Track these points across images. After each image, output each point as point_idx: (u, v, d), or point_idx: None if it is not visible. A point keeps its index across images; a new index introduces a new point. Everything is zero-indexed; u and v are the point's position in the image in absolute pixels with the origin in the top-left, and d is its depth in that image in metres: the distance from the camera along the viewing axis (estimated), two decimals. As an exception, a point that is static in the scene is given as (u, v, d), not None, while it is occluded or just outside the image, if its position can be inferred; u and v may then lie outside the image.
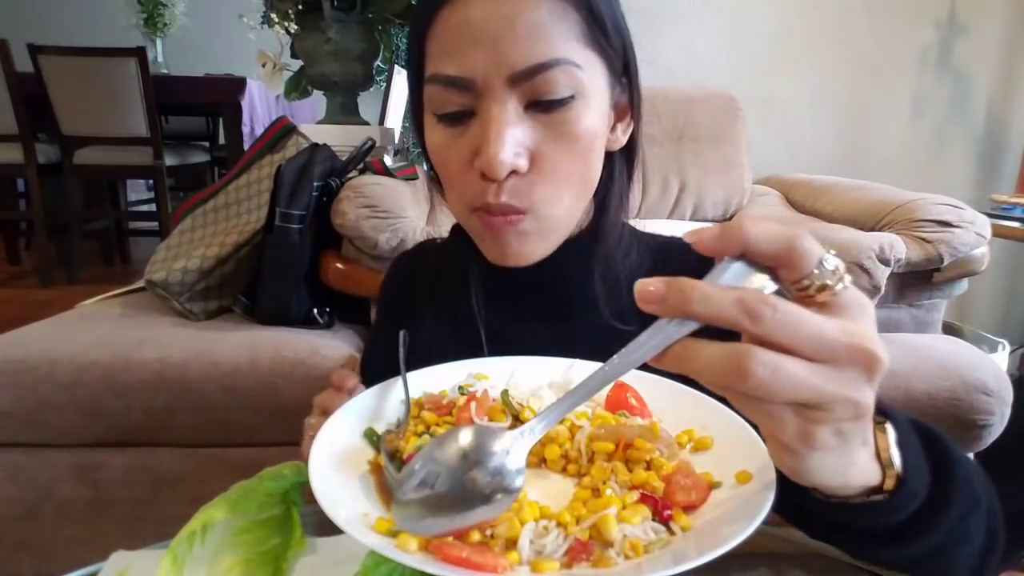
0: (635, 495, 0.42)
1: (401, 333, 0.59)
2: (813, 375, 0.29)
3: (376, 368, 0.61)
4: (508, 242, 0.57)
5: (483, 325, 0.63)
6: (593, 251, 0.63)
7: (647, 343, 0.32)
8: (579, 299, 0.64)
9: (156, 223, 3.65)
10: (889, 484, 0.36)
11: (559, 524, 0.39)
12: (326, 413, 0.49)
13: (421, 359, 0.57)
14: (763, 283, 0.32)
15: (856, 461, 0.35)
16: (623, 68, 0.58)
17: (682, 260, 0.64)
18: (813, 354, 0.29)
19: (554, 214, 0.56)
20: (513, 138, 0.51)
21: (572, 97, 0.52)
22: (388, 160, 1.98)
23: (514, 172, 0.53)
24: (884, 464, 0.37)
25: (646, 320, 0.54)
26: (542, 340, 0.61)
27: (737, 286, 0.31)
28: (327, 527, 0.38)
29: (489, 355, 0.61)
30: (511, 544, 0.38)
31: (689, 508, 0.42)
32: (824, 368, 0.29)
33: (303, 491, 0.47)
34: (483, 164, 0.52)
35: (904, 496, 0.37)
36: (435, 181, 0.65)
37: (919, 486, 0.37)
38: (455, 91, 0.52)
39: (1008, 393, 1.22)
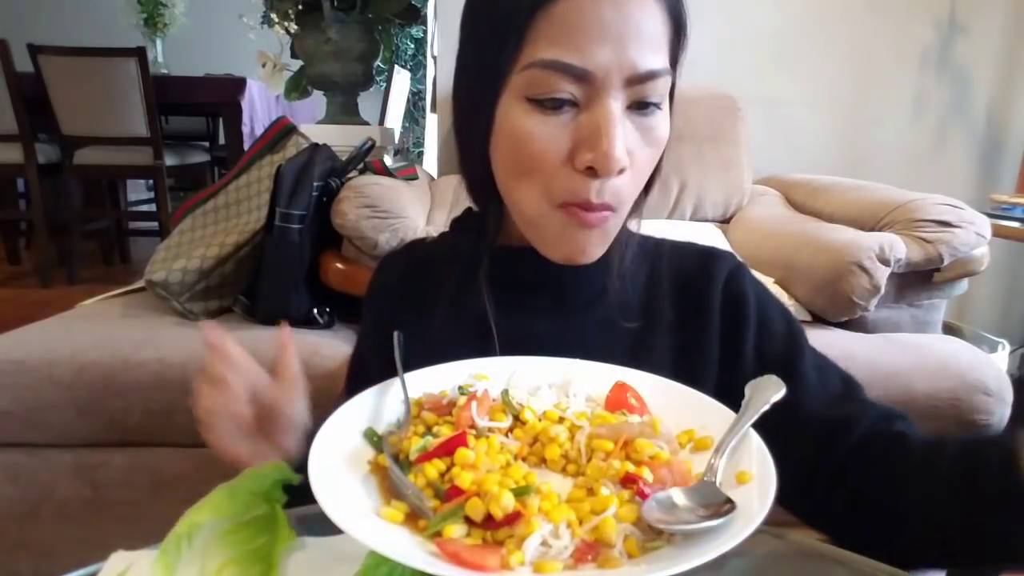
0: (628, 493, 0.42)
1: (396, 334, 0.59)
2: None
3: (370, 368, 0.61)
4: (590, 239, 0.57)
5: (494, 320, 0.63)
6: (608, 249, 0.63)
7: None
8: (585, 294, 0.65)
9: (156, 223, 3.65)
10: None
11: (569, 525, 0.39)
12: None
13: (428, 357, 0.56)
14: None
15: None
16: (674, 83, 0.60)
17: (676, 262, 0.67)
18: None
19: (626, 212, 0.58)
20: (623, 136, 0.52)
21: (659, 104, 0.55)
22: (388, 160, 1.99)
23: (620, 169, 0.53)
24: None
25: (649, 318, 0.61)
26: (548, 334, 0.63)
27: None
28: (326, 526, 0.38)
29: (499, 349, 0.62)
30: (521, 544, 0.38)
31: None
32: None
33: (285, 489, 0.48)
34: (598, 159, 0.52)
35: None
36: (473, 168, 0.62)
37: None
38: (570, 80, 0.52)
39: (1008, 393, 1.22)
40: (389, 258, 0.79)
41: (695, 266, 0.67)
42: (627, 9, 0.51)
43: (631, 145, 0.54)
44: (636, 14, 0.51)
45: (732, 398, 0.52)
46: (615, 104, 0.52)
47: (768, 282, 1.49)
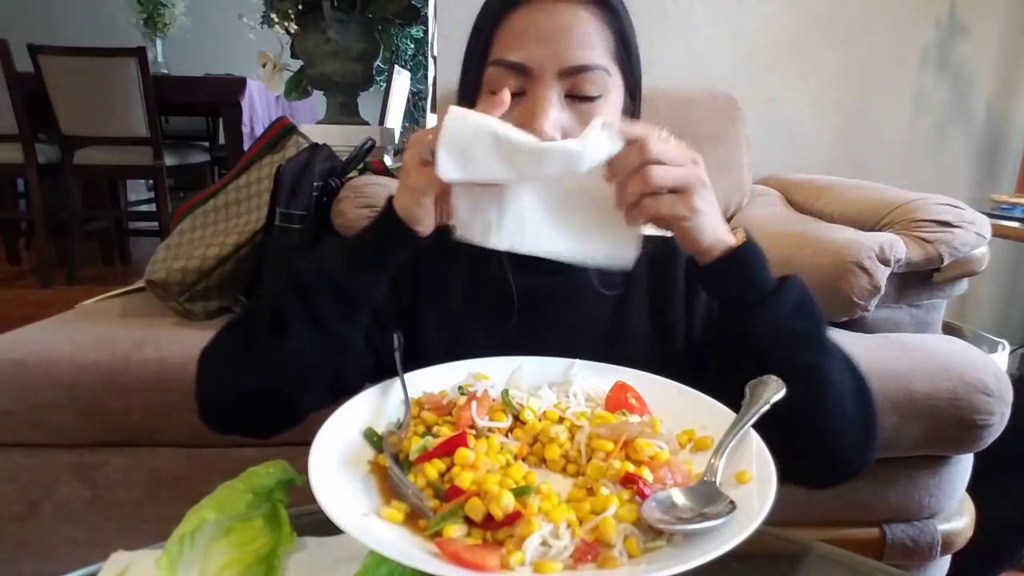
0: (628, 493, 0.42)
1: (396, 335, 0.60)
2: (679, 170, 0.56)
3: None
4: None
5: (511, 274, 0.73)
6: None
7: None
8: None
9: (156, 223, 3.65)
10: (739, 239, 0.61)
11: (569, 525, 0.39)
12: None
13: (449, 313, 0.71)
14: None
15: (720, 227, 0.60)
16: (634, 87, 0.71)
17: (649, 246, 0.75)
18: (673, 161, 0.56)
19: None
20: (554, 116, 0.63)
21: (600, 96, 0.65)
22: (388, 160, 1.99)
23: None
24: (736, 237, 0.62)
25: (629, 288, 0.77)
26: (549, 291, 0.74)
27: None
28: (326, 527, 0.38)
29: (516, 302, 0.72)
30: (521, 544, 0.38)
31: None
32: (681, 167, 0.56)
33: (288, 489, 0.48)
34: (531, 133, 0.61)
35: (747, 250, 0.61)
36: None
37: (758, 255, 0.62)
38: (514, 74, 0.64)
39: (1008, 393, 1.22)
40: None
41: (663, 248, 0.78)
42: (558, 16, 0.64)
43: (569, 126, 0.64)
44: (567, 19, 0.64)
45: (694, 341, 0.72)
46: (547, 91, 0.63)
47: (768, 282, 1.49)
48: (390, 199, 0.62)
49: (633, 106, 0.73)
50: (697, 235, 0.58)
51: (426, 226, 0.60)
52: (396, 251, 0.62)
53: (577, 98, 0.65)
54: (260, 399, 0.64)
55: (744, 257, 0.61)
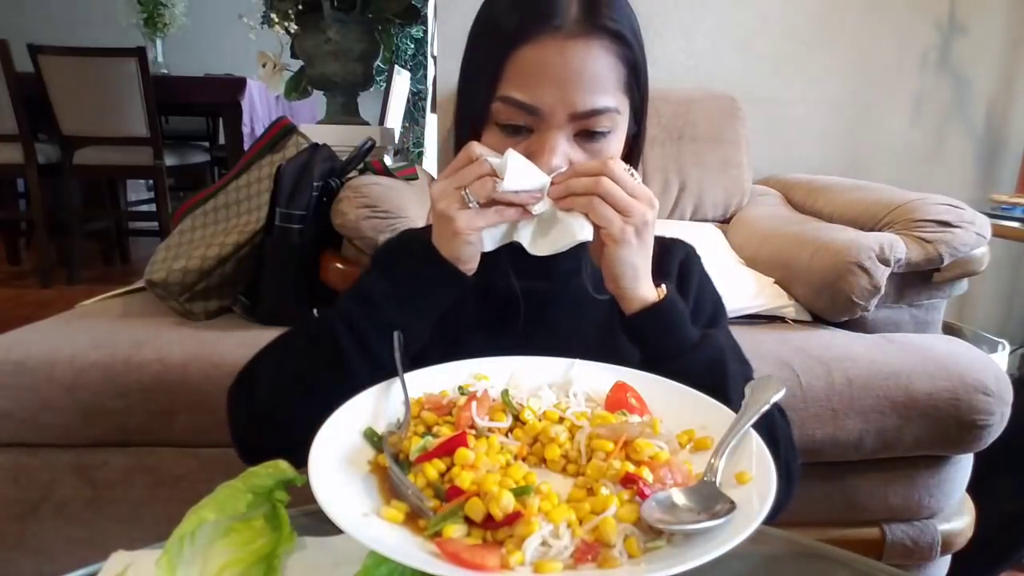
0: (628, 493, 0.42)
1: (396, 334, 0.60)
2: (630, 197, 0.61)
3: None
4: None
5: (516, 281, 0.75)
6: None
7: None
8: (568, 265, 0.76)
9: (156, 223, 3.65)
10: (661, 294, 0.66)
11: (569, 525, 0.39)
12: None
13: (456, 322, 0.70)
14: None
15: (643, 271, 0.65)
16: (640, 108, 0.72)
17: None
18: (629, 190, 0.61)
19: None
20: (560, 160, 0.64)
21: (609, 132, 0.67)
22: (388, 160, 1.99)
23: None
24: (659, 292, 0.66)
25: None
26: (548, 295, 0.76)
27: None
28: (326, 527, 0.38)
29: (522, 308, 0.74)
30: (521, 544, 0.38)
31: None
32: (634, 198, 0.61)
33: (288, 489, 0.47)
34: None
35: (668, 306, 0.65)
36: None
37: (676, 313, 0.66)
38: (524, 113, 0.64)
39: (1008, 393, 1.22)
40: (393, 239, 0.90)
41: (657, 250, 0.78)
42: (571, 56, 0.63)
43: (575, 163, 0.65)
44: (578, 61, 0.63)
45: None
46: (558, 135, 0.64)
47: (768, 282, 1.49)
48: (426, 246, 0.64)
49: (637, 127, 0.73)
50: (620, 268, 0.62)
51: (476, 261, 0.64)
52: (449, 293, 0.66)
53: (585, 136, 0.66)
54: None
55: (662, 313, 0.64)
